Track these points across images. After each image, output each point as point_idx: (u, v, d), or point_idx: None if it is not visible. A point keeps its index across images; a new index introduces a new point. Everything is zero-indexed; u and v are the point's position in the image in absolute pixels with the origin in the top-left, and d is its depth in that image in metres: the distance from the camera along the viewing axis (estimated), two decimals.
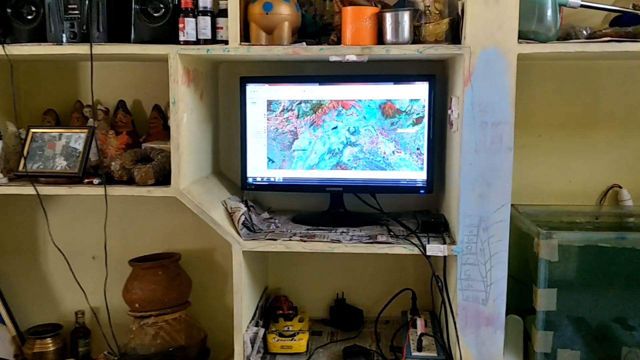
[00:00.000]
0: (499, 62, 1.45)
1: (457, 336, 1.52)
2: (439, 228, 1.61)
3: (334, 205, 1.81)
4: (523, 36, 1.46)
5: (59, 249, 1.79)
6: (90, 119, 1.83)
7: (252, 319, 1.70)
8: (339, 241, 1.55)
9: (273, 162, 1.76)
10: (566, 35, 1.60)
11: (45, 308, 2.03)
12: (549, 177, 1.87)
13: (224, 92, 1.89)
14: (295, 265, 1.95)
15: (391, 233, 1.61)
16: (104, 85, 1.91)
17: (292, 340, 1.69)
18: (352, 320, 1.89)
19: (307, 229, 1.67)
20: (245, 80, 1.74)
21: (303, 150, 1.75)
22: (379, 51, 1.47)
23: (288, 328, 1.74)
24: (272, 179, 1.78)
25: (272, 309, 1.83)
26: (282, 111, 1.74)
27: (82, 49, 1.54)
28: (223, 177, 1.88)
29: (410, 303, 1.86)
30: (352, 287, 1.95)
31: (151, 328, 1.76)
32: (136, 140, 1.83)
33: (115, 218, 1.95)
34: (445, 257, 1.53)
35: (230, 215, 1.61)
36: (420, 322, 1.67)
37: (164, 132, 1.78)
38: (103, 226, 1.94)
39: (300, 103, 1.73)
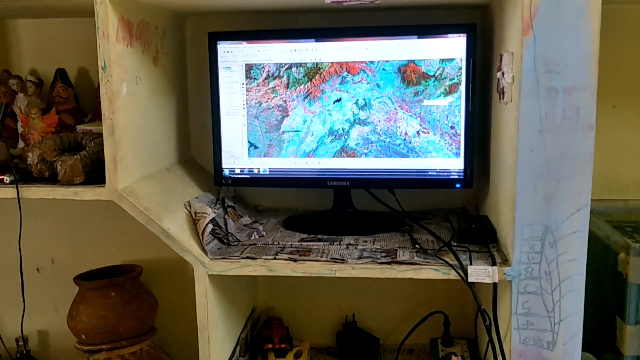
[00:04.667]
0: None
1: None
2: (484, 237, 1.16)
3: (339, 204, 1.36)
4: None
5: None
6: (20, 94, 1.40)
7: (232, 357, 1.27)
8: (343, 260, 1.10)
9: (256, 148, 1.32)
10: None
11: None
12: (626, 162, 1.40)
13: (194, 56, 1.44)
14: (292, 279, 1.51)
15: (416, 247, 1.16)
16: (39, 49, 1.49)
17: None
18: (366, 350, 1.46)
19: (302, 240, 1.23)
20: (215, 37, 1.29)
21: (296, 131, 1.30)
22: None
23: None
24: (256, 171, 1.33)
25: (261, 340, 1.40)
26: (266, 79, 1.29)
27: None
28: (194, 168, 1.44)
29: (440, 328, 1.42)
30: (365, 308, 1.51)
31: None
32: (80, 121, 1.40)
33: (63, 221, 1.55)
34: (494, 283, 1.07)
35: (194, 222, 1.18)
36: None
37: None
38: (51, 231, 1.56)
39: (290, 67, 1.27)
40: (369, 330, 1.50)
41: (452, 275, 1.06)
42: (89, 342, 1.36)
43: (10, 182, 1.13)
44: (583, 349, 1.14)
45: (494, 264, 1.06)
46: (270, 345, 1.36)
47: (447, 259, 1.08)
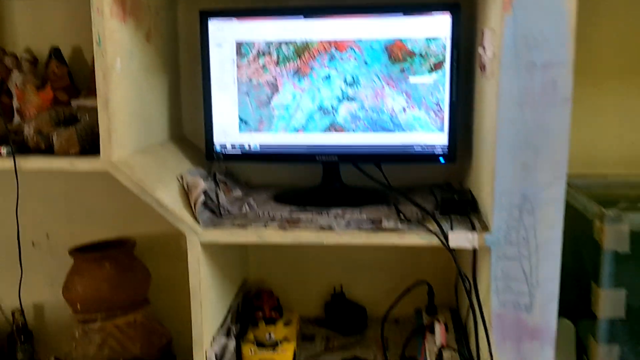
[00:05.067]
0: None
1: (490, 353, 1.13)
2: (466, 208, 1.21)
3: (328, 180, 1.41)
4: None
5: None
6: (15, 71, 1.43)
7: (223, 324, 1.32)
8: (330, 228, 1.15)
9: (246, 123, 1.36)
10: None
11: None
12: (605, 139, 1.45)
13: (186, 34, 1.48)
14: (282, 252, 1.57)
15: (401, 215, 1.21)
16: (34, 28, 1.52)
17: (274, 351, 1.32)
18: (353, 320, 1.51)
19: (291, 211, 1.27)
20: (206, 15, 1.32)
21: (285, 107, 1.34)
22: None
23: (270, 335, 1.36)
24: (246, 147, 1.37)
25: (252, 309, 1.45)
26: (256, 56, 1.32)
27: None
28: (186, 145, 1.48)
29: (425, 298, 1.47)
30: (353, 279, 1.56)
31: (97, 335, 1.39)
32: (74, 97, 1.43)
33: (59, 196, 1.59)
34: (474, 249, 1.13)
35: (187, 194, 1.22)
36: (439, 329, 1.29)
37: None
38: (46, 207, 1.60)
39: (280, 45, 1.31)
40: (357, 300, 1.55)
41: (435, 242, 1.11)
42: (84, 312, 1.40)
43: (7, 153, 1.16)
44: (561, 315, 1.20)
45: (473, 229, 1.11)
46: (260, 314, 1.41)
47: (430, 227, 1.13)
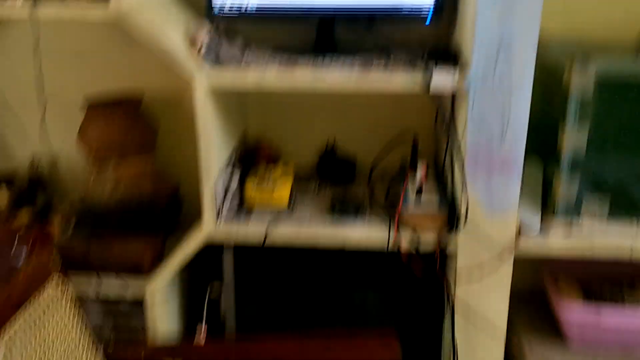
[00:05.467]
0: None
1: (463, 182, 1.29)
2: (448, 57, 1.32)
3: (323, 39, 1.50)
4: None
5: None
6: None
7: (228, 164, 1.46)
8: (325, 67, 1.26)
9: None
10: None
11: None
12: (582, 1, 1.54)
13: None
14: (278, 107, 1.68)
15: (390, 60, 1.32)
16: None
17: (273, 186, 1.46)
18: (344, 171, 1.66)
19: (288, 59, 1.37)
20: None
21: None
22: None
23: (270, 174, 1.50)
24: (244, 7, 1.44)
25: (252, 154, 1.59)
26: None
27: None
28: (188, 4, 1.55)
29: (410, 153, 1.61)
30: (344, 133, 1.69)
31: (110, 179, 1.53)
32: None
33: (69, 51, 1.68)
34: (454, 92, 1.25)
35: (191, 42, 1.31)
36: (421, 167, 1.44)
37: None
38: (57, 60, 1.69)
39: None
40: (348, 153, 1.69)
41: (419, 83, 1.23)
42: (98, 155, 1.52)
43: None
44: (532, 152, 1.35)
45: (455, 69, 1.23)
46: (261, 157, 1.55)
47: (415, 69, 1.25)
